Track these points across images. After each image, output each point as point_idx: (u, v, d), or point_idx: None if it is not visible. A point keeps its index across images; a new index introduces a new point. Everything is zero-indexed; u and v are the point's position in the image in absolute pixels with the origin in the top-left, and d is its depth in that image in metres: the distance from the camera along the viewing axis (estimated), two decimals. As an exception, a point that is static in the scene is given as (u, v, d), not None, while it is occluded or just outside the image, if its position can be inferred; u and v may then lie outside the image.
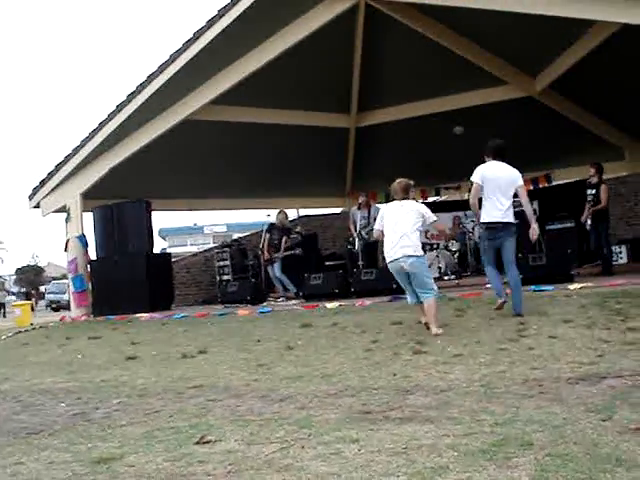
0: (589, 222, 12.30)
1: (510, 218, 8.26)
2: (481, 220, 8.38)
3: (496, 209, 8.21)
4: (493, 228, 8.24)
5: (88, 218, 14.90)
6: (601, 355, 5.74)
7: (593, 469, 3.03)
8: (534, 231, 8.30)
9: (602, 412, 4.02)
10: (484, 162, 8.57)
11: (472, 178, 8.38)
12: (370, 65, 14.90)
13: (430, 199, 19.42)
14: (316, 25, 11.93)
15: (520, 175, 8.42)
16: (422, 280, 7.68)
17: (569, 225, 14.74)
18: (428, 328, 7.55)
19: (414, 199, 8.27)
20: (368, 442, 3.83)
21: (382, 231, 8.01)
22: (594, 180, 12.45)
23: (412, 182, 8.25)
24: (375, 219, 13.28)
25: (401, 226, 7.74)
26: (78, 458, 4.11)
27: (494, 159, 8.54)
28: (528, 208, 8.42)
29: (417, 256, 7.67)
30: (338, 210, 19.62)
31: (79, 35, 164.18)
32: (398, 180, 8.21)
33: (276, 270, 13.70)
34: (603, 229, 12.23)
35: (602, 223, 12.23)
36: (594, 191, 12.34)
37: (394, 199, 8.14)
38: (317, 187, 18.54)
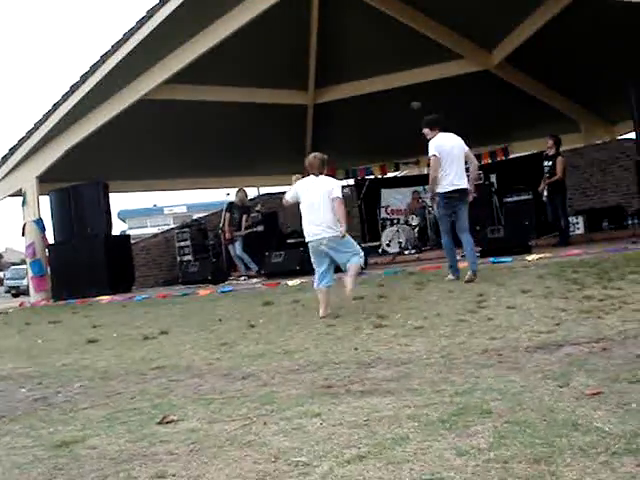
0: (545, 193, 12.43)
1: (467, 185, 8.52)
2: (444, 190, 8.43)
3: (460, 177, 8.41)
4: (454, 197, 8.32)
5: (45, 202, 14.72)
6: (558, 324, 5.83)
7: (550, 434, 3.09)
8: (472, 193, 8.62)
9: (559, 379, 4.08)
10: (427, 138, 8.70)
11: (430, 152, 8.43)
12: (327, 41, 14.85)
13: (389, 174, 19.51)
14: (271, 2, 11.82)
15: None
16: (349, 246, 7.72)
17: (527, 197, 14.93)
18: (324, 317, 7.52)
19: (329, 175, 8.12)
20: (330, 416, 3.85)
21: (288, 201, 8.13)
22: (551, 152, 12.60)
23: (326, 157, 8.05)
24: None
25: (318, 205, 7.67)
26: (39, 442, 4.07)
27: (441, 131, 8.63)
28: (476, 169, 8.95)
29: (335, 235, 7.60)
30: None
31: (35, 13, 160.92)
32: (314, 154, 8.08)
33: (237, 249, 13.66)
34: (560, 201, 12.40)
35: (558, 195, 12.40)
36: (550, 163, 12.49)
37: (310, 174, 7.99)
38: (277, 165, 18.51)
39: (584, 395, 3.68)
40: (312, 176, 7.92)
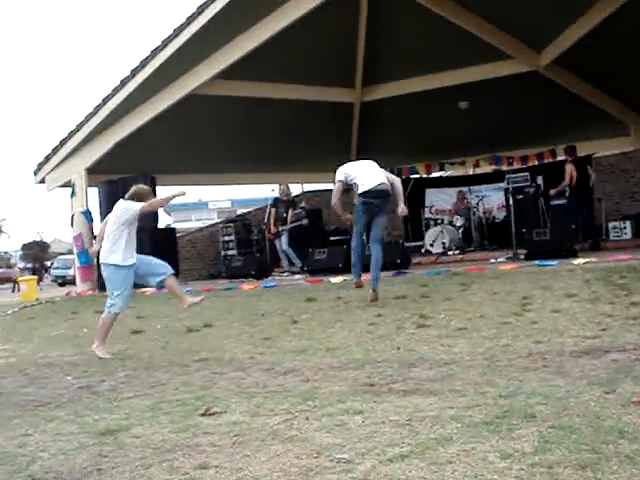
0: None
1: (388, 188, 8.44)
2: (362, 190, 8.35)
3: (378, 182, 8.34)
4: (376, 198, 8.29)
5: (93, 193, 14.92)
6: (605, 329, 5.75)
7: (596, 441, 3.05)
8: (404, 210, 8.53)
9: (605, 385, 4.03)
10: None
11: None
12: (375, 39, 14.81)
13: (434, 174, 19.40)
14: (320, -1, 11.83)
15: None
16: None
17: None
18: None
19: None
20: (372, 414, 3.85)
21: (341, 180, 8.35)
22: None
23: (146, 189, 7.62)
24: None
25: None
26: (85, 430, 4.14)
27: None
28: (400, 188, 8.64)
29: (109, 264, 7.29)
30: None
31: (87, 10, 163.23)
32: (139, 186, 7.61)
33: (283, 243, 13.71)
34: (581, 206, 12.83)
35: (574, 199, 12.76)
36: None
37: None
38: (321, 162, 18.49)
39: (631, 402, 3.63)
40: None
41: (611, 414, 3.45)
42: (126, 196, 7.40)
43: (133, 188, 7.48)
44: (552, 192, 12.87)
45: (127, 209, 7.26)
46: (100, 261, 7.45)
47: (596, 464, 2.77)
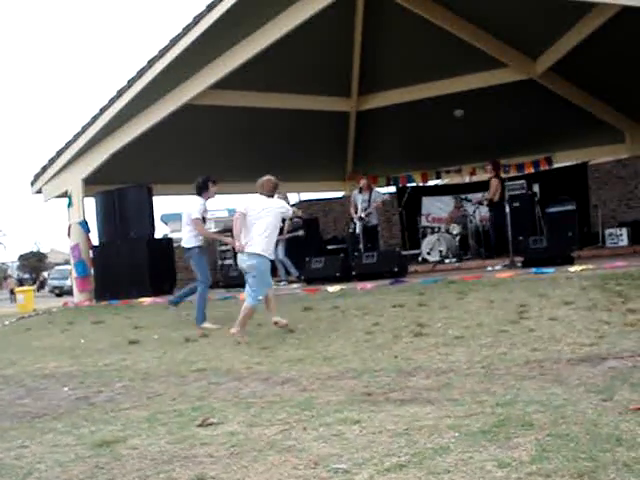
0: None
1: (187, 244, 9.28)
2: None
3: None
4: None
5: (90, 204, 14.92)
6: (602, 336, 5.76)
7: (594, 449, 3.05)
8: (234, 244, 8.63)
9: (603, 393, 4.04)
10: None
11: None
12: (370, 49, 14.85)
13: (431, 182, 19.42)
14: (316, 8, 11.84)
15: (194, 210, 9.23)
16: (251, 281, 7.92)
17: (570, 208, 14.75)
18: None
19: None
20: (370, 423, 3.85)
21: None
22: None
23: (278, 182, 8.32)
24: (375, 202, 13.36)
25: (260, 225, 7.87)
26: (81, 441, 4.14)
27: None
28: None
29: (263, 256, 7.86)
30: (339, 194, 19.61)
31: (82, 19, 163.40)
32: (267, 178, 8.25)
33: (279, 253, 13.68)
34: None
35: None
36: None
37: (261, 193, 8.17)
38: (317, 171, 18.52)
39: (628, 410, 3.63)
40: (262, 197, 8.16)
41: (608, 422, 3.45)
42: (265, 191, 8.12)
43: (271, 181, 8.21)
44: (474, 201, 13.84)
45: (287, 209, 8.46)
46: (248, 251, 7.81)
47: (593, 472, 2.78)
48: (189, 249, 9.25)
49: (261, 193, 8.11)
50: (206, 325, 8.94)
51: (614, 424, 3.40)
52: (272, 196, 8.20)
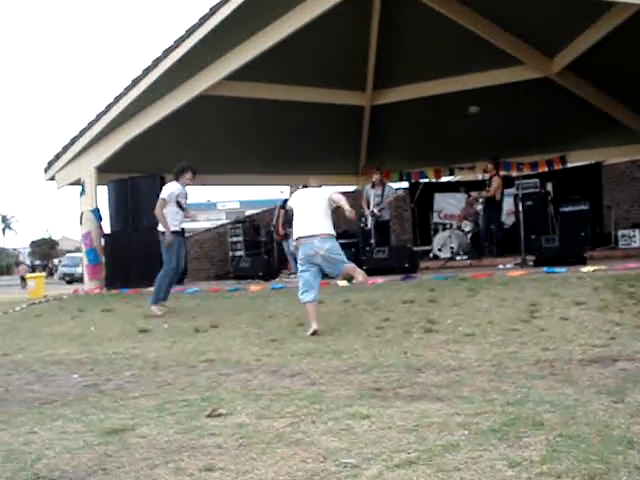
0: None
1: (160, 227, 9.50)
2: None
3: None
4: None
5: (103, 192, 14.94)
6: (613, 338, 5.73)
7: (604, 451, 3.03)
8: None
9: (614, 394, 4.01)
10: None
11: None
12: (386, 43, 14.78)
13: (444, 179, 19.36)
14: (333, 1, 11.82)
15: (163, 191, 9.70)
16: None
17: (583, 208, 14.67)
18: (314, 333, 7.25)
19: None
20: (379, 419, 3.84)
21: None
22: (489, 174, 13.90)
23: None
24: (388, 197, 13.34)
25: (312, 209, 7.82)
26: (90, 428, 4.14)
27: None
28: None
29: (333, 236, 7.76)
30: (351, 188, 19.57)
31: (99, 9, 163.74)
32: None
33: (291, 245, 13.69)
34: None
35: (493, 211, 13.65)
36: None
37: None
38: (331, 165, 18.48)
39: (639, 412, 3.61)
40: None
41: (620, 424, 3.43)
42: (314, 184, 8.22)
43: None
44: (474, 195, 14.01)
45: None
46: (316, 233, 7.59)
47: (605, 474, 2.76)
48: (162, 233, 9.48)
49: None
50: (152, 308, 9.51)
51: (625, 426, 3.38)
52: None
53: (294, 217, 7.99)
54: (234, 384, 5.14)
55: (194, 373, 5.73)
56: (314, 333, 7.15)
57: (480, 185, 15.32)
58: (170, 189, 9.53)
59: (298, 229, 7.79)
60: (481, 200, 13.74)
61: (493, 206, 13.62)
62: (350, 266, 7.75)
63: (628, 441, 3.13)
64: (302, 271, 7.72)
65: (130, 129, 14.04)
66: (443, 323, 6.96)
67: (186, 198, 9.73)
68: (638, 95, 14.92)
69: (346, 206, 7.54)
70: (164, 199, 9.41)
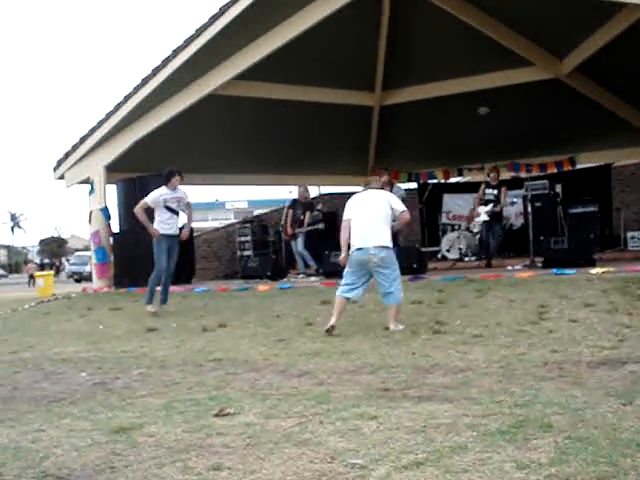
0: (486, 218, 12.83)
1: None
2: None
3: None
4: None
5: (112, 191, 14.98)
6: (622, 340, 5.71)
7: (614, 453, 3.02)
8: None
9: (623, 397, 4.00)
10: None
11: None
12: (396, 43, 14.77)
13: (453, 179, 19.32)
14: (343, 1, 11.81)
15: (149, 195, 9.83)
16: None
17: (592, 209, 14.63)
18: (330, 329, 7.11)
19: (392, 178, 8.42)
20: (386, 419, 3.84)
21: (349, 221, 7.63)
22: (495, 182, 13.16)
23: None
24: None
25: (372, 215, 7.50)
26: (98, 427, 4.15)
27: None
28: None
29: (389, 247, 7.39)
30: (359, 188, 19.54)
31: (109, 9, 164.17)
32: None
33: (299, 245, 13.70)
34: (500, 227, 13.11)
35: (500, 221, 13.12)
36: (496, 191, 12.98)
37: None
38: (339, 165, 18.47)
39: (649, 415, 3.59)
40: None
41: (628, 426, 3.41)
42: (375, 184, 8.09)
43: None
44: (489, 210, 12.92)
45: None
46: (373, 245, 7.28)
47: (614, 477, 2.75)
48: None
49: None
50: (147, 308, 9.69)
51: (634, 429, 3.36)
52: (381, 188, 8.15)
53: (352, 224, 7.52)
54: (242, 383, 5.14)
55: (202, 372, 5.73)
56: (330, 329, 7.04)
57: (489, 187, 15.30)
58: (154, 194, 9.77)
59: (356, 239, 7.39)
60: (487, 212, 12.97)
61: (499, 218, 13.09)
62: (398, 305, 7.30)
63: (637, 444, 3.12)
64: (350, 272, 7.48)
65: (139, 128, 14.07)
66: (451, 324, 6.95)
67: (179, 201, 9.95)
68: (648, 97, 14.88)
69: (402, 222, 7.68)
70: (146, 203, 9.74)
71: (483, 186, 13.28)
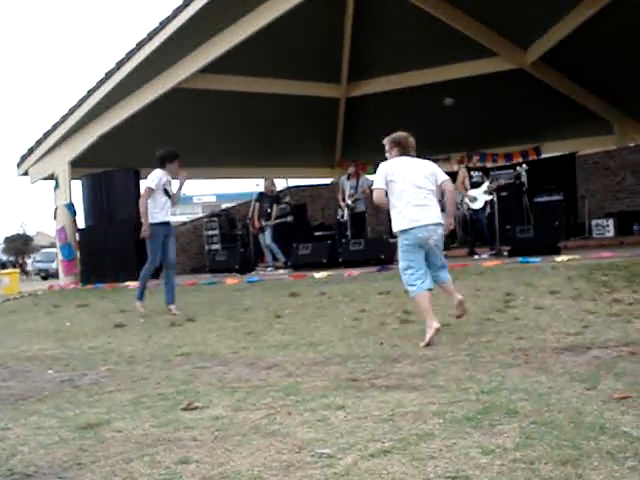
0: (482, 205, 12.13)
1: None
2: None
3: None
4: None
5: (77, 186, 14.85)
6: (587, 326, 5.78)
7: (577, 437, 3.06)
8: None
9: (587, 381, 4.05)
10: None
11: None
12: (361, 35, 14.80)
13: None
14: (308, -7, 11.79)
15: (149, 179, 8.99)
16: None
17: (557, 198, 14.79)
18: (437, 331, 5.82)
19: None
20: (354, 409, 3.85)
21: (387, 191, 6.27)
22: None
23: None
24: (363, 188, 13.20)
25: (425, 188, 6.23)
26: (65, 424, 4.11)
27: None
28: None
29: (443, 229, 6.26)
30: (327, 180, 19.57)
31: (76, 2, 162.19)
32: (405, 134, 6.73)
33: (267, 238, 13.67)
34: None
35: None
36: (481, 173, 12.43)
37: (404, 154, 6.52)
38: (306, 157, 18.49)
39: (612, 399, 3.65)
40: (407, 157, 6.50)
41: (592, 410, 3.46)
42: (410, 152, 6.56)
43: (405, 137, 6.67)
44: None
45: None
46: (432, 222, 6.10)
47: (577, 460, 2.78)
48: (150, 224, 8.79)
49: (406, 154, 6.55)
50: (137, 304, 9.09)
51: (598, 413, 3.41)
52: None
53: (395, 194, 6.20)
54: (210, 377, 5.13)
55: (170, 367, 5.71)
56: (436, 332, 5.74)
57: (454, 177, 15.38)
58: (156, 175, 8.84)
59: (409, 215, 6.11)
60: (487, 190, 12.19)
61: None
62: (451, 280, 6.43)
63: (600, 427, 3.17)
64: (411, 258, 6.13)
65: (104, 123, 13.95)
66: (418, 314, 6.97)
67: (171, 185, 9.09)
68: (611, 86, 15.06)
69: (450, 208, 6.54)
70: (151, 188, 8.73)
71: (464, 171, 12.54)
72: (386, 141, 6.71)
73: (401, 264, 6.22)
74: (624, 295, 6.82)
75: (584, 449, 2.90)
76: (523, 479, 2.65)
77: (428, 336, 5.67)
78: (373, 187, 6.41)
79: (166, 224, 8.91)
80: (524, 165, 12.46)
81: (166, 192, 8.86)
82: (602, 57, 13.81)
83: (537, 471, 2.71)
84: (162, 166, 8.94)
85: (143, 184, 9.44)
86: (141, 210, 8.74)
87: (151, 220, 8.72)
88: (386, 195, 6.28)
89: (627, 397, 3.63)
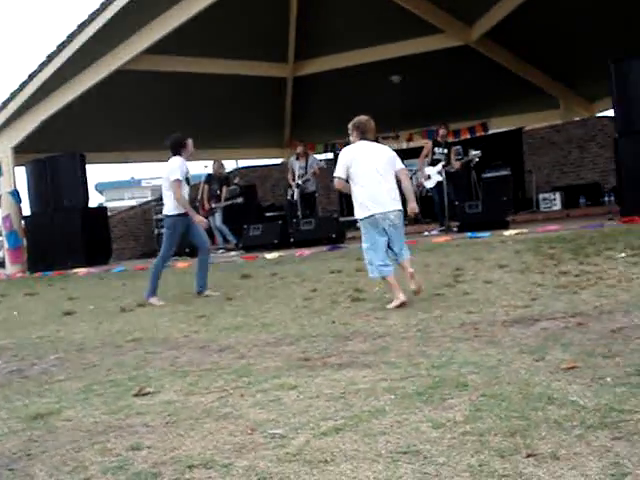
0: (441, 178, 12.02)
1: (167, 211, 8.29)
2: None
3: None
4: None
5: (21, 173, 14.56)
6: (535, 298, 5.87)
7: (526, 407, 3.10)
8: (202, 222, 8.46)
9: (535, 353, 4.11)
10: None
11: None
12: (307, 14, 14.73)
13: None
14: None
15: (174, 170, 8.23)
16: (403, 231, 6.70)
17: (504, 173, 14.96)
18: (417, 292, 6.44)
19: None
20: (307, 388, 3.85)
21: (342, 178, 6.55)
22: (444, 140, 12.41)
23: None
24: (312, 168, 13.21)
25: (384, 172, 6.48)
26: (15, 414, 4.04)
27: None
28: None
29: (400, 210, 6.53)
30: (277, 161, 19.52)
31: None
32: (367, 117, 6.90)
33: (217, 220, 13.59)
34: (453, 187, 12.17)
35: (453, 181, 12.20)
36: (446, 150, 12.24)
37: (363, 138, 6.74)
38: (255, 138, 18.39)
39: (560, 369, 3.70)
40: (366, 141, 6.72)
41: (540, 381, 3.51)
42: (368, 136, 6.76)
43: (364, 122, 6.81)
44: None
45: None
46: (392, 209, 6.40)
47: (525, 430, 2.82)
48: (167, 216, 8.26)
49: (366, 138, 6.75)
50: (152, 300, 8.12)
51: (546, 383, 3.46)
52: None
53: (357, 180, 6.47)
54: (162, 362, 5.08)
55: (121, 353, 5.64)
56: (402, 304, 6.20)
57: (404, 154, 15.45)
58: (177, 164, 8.15)
59: (369, 201, 6.39)
60: (440, 171, 11.98)
61: (455, 178, 12.30)
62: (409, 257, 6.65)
63: (548, 397, 3.21)
64: (373, 242, 6.43)
65: (47, 107, 13.69)
66: (369, 291, 7.02)
67: (189, 173, 8.43)
68: (556, 61, 15.25)
69: (410, 195, 6.69)
70: (179, 180, 8.02)
71: (429, 145, 12.40)
72: (349, 125, 6.97)
73: (364, 245, 6.60)
74: (571, 267, 6.93)
75: (532, 419, 2.94)
76: (473, 451, 2.68)
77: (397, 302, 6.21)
78: (334, 175, 6.64)
79: (186, 214, 8.21)
80: (479, 151, 12.24)
81: (187, 180, 8.25)
82: (547, 33, 13.96)
83: (487, 443, 2.74)
84: (177, 153, 8.27)
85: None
86: (183, 205, 8.07)
87: (175, 211, 8.14)
88: (347, 181, 6.55)
89: (574, 367, 3.69)
